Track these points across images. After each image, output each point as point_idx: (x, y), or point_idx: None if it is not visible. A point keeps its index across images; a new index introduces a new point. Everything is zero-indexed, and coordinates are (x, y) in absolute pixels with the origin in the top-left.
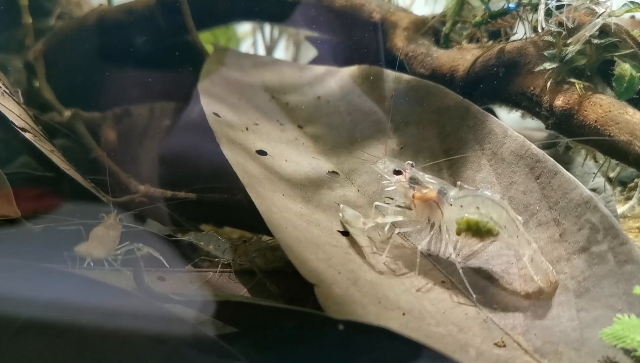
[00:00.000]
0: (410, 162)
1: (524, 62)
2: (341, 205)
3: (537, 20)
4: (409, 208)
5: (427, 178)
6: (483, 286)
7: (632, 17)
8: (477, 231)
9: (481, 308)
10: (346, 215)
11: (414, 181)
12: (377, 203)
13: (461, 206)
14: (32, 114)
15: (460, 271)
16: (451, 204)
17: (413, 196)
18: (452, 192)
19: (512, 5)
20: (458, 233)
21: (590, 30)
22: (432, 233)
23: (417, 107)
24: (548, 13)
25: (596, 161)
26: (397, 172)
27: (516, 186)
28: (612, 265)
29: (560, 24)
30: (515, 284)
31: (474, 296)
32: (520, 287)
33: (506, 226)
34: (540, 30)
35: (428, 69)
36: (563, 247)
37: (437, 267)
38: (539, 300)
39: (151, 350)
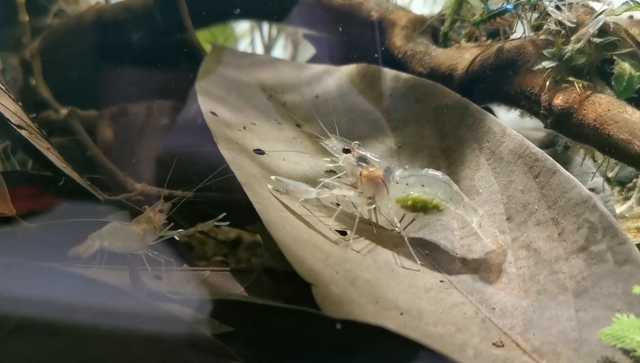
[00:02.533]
0: (357, 142)
1: (523, 61)
2: (273, 177)
3: (536, 19)
4: (356, 186)
5: (374, 157)
6: (480, 287)
7: (631, 17)
8: (424, 207)
9: (448, 277)
10: (289, 186)
11: (361, 160)
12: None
13: (407, 184)
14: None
15: (407, 239)
16: (397, 183)
17: (360, 174)
18: (398, 171)
19: (510, 6)
20: (407, 209)
21: (593, 26)
22: (373, 206)
23: (416, 106)
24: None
25: (595, 161)
26: (346, 150)
27: (515, 185)
28: (611, 265)
29: (560, 23)
30: (513, 283)
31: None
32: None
33: (452, 199)
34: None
35: (427, 67)
36: (562, 246)
37: (435, 266)
38: (492, 265)
39: (147, 349)
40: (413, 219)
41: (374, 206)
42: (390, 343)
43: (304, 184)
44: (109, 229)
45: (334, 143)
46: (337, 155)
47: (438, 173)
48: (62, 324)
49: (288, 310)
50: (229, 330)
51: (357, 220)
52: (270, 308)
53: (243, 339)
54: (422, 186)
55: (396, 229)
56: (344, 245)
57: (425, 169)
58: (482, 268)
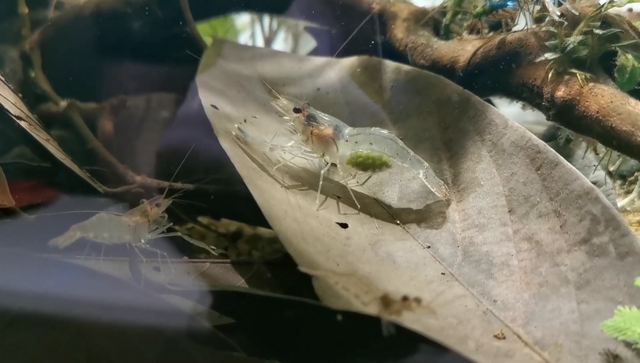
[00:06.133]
0: (307, 101)
1: (525, 53)
2: (236, 125)
3: (538, 11)
4: (306, 143)
5: (324, 116)
6: (482, 279)
7: (630, 10)
8: (372, 165)
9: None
10: (247, 138)
11: (311, 119)
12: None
13: (356, 142)
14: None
15: (350, 191)
16: (347, 141)
17: (311, 133)
18: (347, 130)
19: (510, 3)
20: (358, 167)
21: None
22: (325, 159)
23: (417, 99)
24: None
25: (597, 154)
26: (297, 110)
27: (517, 177)
28: (613, 257)
29: (562, 15)
30: (515, 276)
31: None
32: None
33: (398, 154)
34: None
35: (428, 60)
36: (564, 239)
37: (436, 259)
38: (439, 212)
39: (148, 341)
40: (369, 176)
41: (326, 163)
42: (391, 335)
43: (260, 138)
44: (94, 220)
45: (284, 103)
46: (288, 115)
47: (385, 131)
48: (61, 316)
49: (288, 301)
50: (229, 321)
51: (320, 181)
52: (271, 299)
53: (244, 331)
54: (370, 144)
55: (342, 181)
56: (293, 191)
57: (374, 128)
58: (427, 216)
